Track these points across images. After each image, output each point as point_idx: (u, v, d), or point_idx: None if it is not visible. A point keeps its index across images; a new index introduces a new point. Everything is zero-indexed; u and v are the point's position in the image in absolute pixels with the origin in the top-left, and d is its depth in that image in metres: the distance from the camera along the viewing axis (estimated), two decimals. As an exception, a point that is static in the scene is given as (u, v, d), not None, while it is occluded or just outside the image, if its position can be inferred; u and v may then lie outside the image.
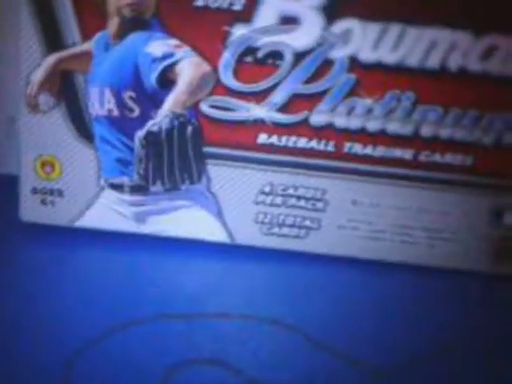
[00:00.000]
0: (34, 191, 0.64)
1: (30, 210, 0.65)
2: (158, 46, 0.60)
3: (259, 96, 0.61)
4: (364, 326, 0.58)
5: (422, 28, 0.58)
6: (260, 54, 0.60)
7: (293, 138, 0.62)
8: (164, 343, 0.55)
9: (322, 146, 0.62)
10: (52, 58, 0.61)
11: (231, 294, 0.61)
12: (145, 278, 0.62)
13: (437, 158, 0.61)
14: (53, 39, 0.61)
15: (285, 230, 0.64)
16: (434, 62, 0.59)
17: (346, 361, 0.54)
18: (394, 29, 0.58)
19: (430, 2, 0.58)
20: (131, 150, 0.61)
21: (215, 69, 0.60)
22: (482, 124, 0.60)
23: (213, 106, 0.61)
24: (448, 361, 0.55)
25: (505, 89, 0.59)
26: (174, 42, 0.60)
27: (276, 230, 0.64)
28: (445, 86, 0.60)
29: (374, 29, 0.59)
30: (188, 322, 0.57)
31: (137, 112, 0.61)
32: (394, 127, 0.61)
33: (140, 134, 0.60)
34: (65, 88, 0.62)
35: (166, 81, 0.60)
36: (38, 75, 0.62)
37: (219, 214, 0.64)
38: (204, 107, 0.61)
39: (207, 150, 0.62)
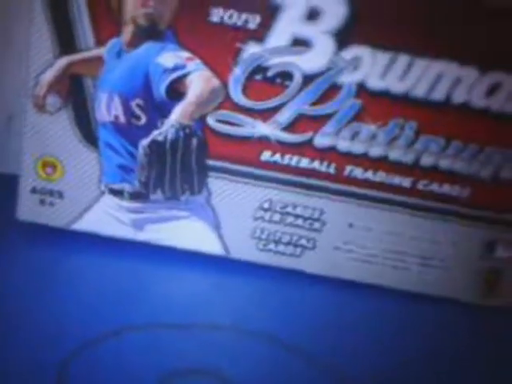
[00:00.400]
0: (34, 191, 0.64)
1: (28, 209, 0.65)
2: (170, 57, 0.61)
3: (266, 114, 0.62)
4: (349, 341, 0.59)
5: (430, 60, 0.60)
6: (270, 73, 0.61)
7: (296, 158, 0.63)
8: (157, 352, 0.55)
9: (323, 168, 0.63)
10: (63, 61, 0.61)
11: (224, 306, 0.62)
12: (139, 285, 0.62)
13: (434, 187, 0.63)
14: (66, 42, 0.61)
15: (280, 248, 0.65)
16: (439, 94, 0.61)
17: (331, 374, 0.55)
18: (403, 59, 0.60)
19: (438, 35, 0.60)
20: (134, 157, 0.62)
21: (225, 84, 0.61)
22: (481, 157, 0.62)
23: (219, 120, 0.62)
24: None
25: (506, 125, 0.61)
26: (185, 54, 0.61)
27: (272, 246, 0.65)
28: (448, 118, 0.61)
29: (383, 57, 0.60)
30: (180, 331, 0.58)
31: (143, 120, 0.62)
32: (395, 154, 0.62)
33: (144, 142, 0.60)
34: (73, 91, 0.62)
35: (175, 92, 0.61)
36: (48, 76, 0.62)
37: (217, 227, 0.64)
38: (211, 121, 0.62)
39: (210, 162, 0.63)
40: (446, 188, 0.63)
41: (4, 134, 0.69)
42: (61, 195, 0.64)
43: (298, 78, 0.61)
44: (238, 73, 0.61)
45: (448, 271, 0.64)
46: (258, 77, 0.61)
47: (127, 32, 0.61)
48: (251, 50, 0.60)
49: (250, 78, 0.61)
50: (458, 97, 0.60)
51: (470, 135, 0.62)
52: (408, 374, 0.57)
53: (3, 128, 0.68)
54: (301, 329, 0.60)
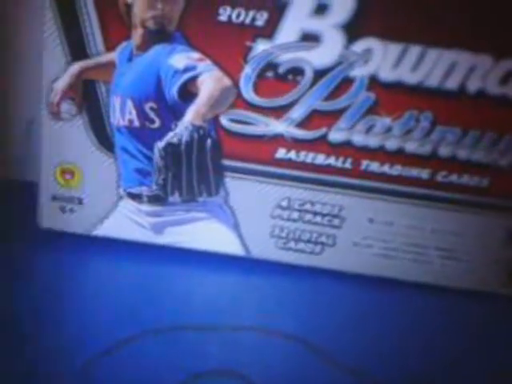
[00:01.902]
0: (54, 198, 0.65)
1: (49, 217, 0.65)
2: (181, 58, 0.61)
3: (279, 111, 0.61)
4: (373, 341, 0.59)
5: (442, 50, 0.59)
6: (281, 70, 0.60)
7: (311, 154, 0.62)
8: (180, 354, 0.55)
9: (339, 163, 0.62)
10: (76, 67, 0.62)
11: (245, 306, 0.61)
12: (161, 288, 0.62)
13: (453, 178, 0.62)
14: (77, 48, 0.61)
15: (300, 246, 0.64)
16: (453, 83, 0.60)
17: (355, 375, 0.54)
18: (415, 49, 0.59)
19: (450, 24, 0.59)
20: (150, 160, 0.62)
21: (236, 83, 0.61)
22: (500, 146, 0.61)
23: (232, 120, 0.62)
24: (454, 380, 0.56)
25: (523, 112, 0.60)
26: (196, 55, 0.61)
27: (292, 244, 0.64)
28: (463, 107, 0.60)
29: (394, 49, 0.59)
30: (203, 333, 0.57)
31: (157, 123, 0.62)
32: (411, 147, 0.61)
33: (160, 144, 0.60)
34: (87, 97, 0.63)
35: (187, 93, 0.61)
36: (62, 83, 0.62)
37: (236, 227, 0.64)
38: (224, 121, 0.62)
39: (226, 162, 0.63)
40: (466, 178, 0.62)
41: (24, 143, 0.69)
42: (80, 201, 0.65)
43: (309, 74, 0.60)
44: (248, 71, 0.61)
45: (470, 262, 0.63)
46: (269, 74, 0.61)
47: (137, 35, 0.61)
48: (261, 47, 0.60)
49: (260, 75, 0.61)
50: (473, 85, 0.60)
51: (486, 124, 0.60)
52: (429, 366, 0.56)
53: (23, 136, 0.69)
54: (324, 327, 0.60)
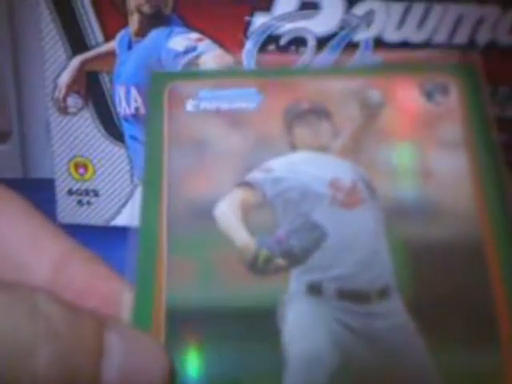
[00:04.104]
0: (70, 193, 0.65)
1: (67, 211, 0.65)
2: (180, 40, 0.60)
3: (285, 84, 0.60)
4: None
5: (448, 4, 0.57)
6: (282, 42, 0.59)
7: (321, 125, 0.61)
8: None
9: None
10: (77, 60, 0.61)
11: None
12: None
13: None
14: (76, 41, 0.61)
15: None
16: (461, 38, 0.57)
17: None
18: (419, 7, 0.57)
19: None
20: (161, 146, 0.61)
21: (238, 59, 0.59)
22: (515, 98, 0.59)
23: (239, 97, 0.61)
24: None
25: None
26: (195, 35, 0.59)
27: None
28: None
29: (397, 8, 0.57)
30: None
31: (164, 108, 0.61)
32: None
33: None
34: (92, 89, 0.62)
35: (191, 75, 0.60)
36: (65, 78, 0.62)
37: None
38: (230, 99, 0.61)
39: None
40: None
41: (43, 140, 0.69)
42: (96, 193, 0.65)
43: (311, 43, 0.59)
44: (249, 46, 0.59)
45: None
46: (271, 47, 0.59)
47: (133, 22, 0.60)
48: (260, 20, 0.59)
49: (262, 49, 0.60)
50: (483, 37, 0.57)
51: (501, 76, 0.58)
52: None
53: (42, 134, 0.69)
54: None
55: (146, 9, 0.60)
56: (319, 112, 0.37)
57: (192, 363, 0.30)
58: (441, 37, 0.57)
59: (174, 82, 0.37)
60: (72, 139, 0.63)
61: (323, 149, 0.36)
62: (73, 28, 0.60)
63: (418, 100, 0.36)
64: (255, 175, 0.35)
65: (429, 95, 0.36)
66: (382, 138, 0.36)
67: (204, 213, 0.34)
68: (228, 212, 0.34)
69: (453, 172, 0.34)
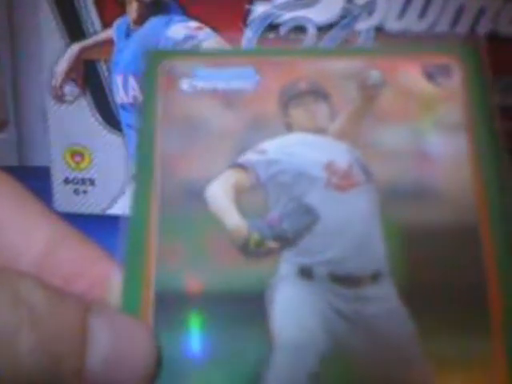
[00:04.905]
0: (66, 181, 0.64)
1: (64, 200, 0.65)
2: (179, 29, 0.59)
3: (284, 73, 0.60)
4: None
5: (449, -7, 0.56)
6: (282, 31, 0.59)
7: (321, 115, 0.60)
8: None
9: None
10: (75, 48, 0.61)
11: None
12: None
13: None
14: (74, 29, 0.60)
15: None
16: (463, 27, 0.57)
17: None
18: (420, -4, 0.57)
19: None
20: (159, 134, 0.61)
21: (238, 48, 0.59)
22: (517, 89, 0.58)
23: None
24: None
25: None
26: (194, 24, 0.59)
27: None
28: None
29: (398, -3, 0.57)
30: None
31: (162, 97, 0.60)
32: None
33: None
34: (89, 77, 0.62)
35: (189, 64, 0.59)
36: (62, 66, 0.61)
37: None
38: (229, 88, 0.60)
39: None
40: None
41: (40, 129, 0.69)
42: (92, 182, 0.64)
43: (311, 32, 0.58)
44: (249, 35, 0.59)
45: None
46: (271, 36, 0.59)
47: (132, 10, 0.60)
48: (260, 9, 0.58)
49: (262, 38, 0.59)
50: (484, 28, 0.57)
51: (502, 66, 0.58)
52: None
53: (39, 122, 0.68)
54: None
55: (145, -4, 0.59)
56: (317, 93, 0.36)
57: (180, 346, 0.30)
58: (442, 27, 0.57)
59: (170, 60, 0.36)
60: (69, 128, 0.63)
61: (320, 130, 0.35)
62: (70, 16, 0.60)
63: (419, 81, 0.35)
64: (249, 157, 0.34)
65: (430, 77, 0.35)
66: (380, 119, 0.35)
67: (196, 194, 0.33)
68: (220, 193, 0.33)
69: (451, 155, 0.33)
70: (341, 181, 0.33)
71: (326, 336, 0.30)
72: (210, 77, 0.36)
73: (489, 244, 0.31)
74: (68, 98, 0.62)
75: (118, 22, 0.60)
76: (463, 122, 0.34)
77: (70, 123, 0.62)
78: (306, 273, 0.32)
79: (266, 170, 0.34)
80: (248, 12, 0.58)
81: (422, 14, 0.57)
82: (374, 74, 0.35)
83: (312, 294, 0.31)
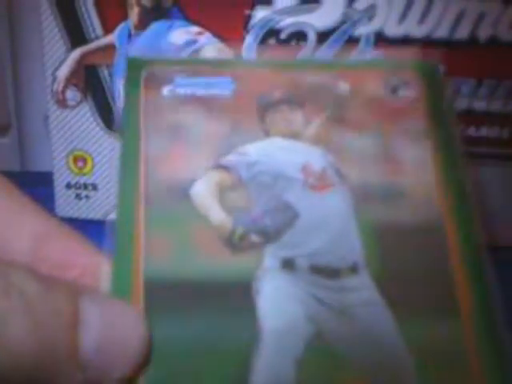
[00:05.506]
0: (68, 186, 0.65)
1: (66, 205, 0.65)
2: (180, 34, 0.59)
3: (285, 78, 0.60)
4: None
5: (449, -2, 0.57)
6: (283, 36, 0.59)
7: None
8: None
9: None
10: (76, 53, 0.61)
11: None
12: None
13: (471, 131, 0.59)
14: (76, 34, 0.60)
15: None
16: (462, 33, 0.57)
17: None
18: (420, 1, 0.57)
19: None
20: (160, 140, 0.61)
21: (239, 53, 0.59)
22: (517, 94, 0.58)
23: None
24: None
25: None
26: (195, 29, 0.59)
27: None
28: (476, 56, 0.58)
29: (399, 2, 0.57)
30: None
31: (163, 102, 0.61)
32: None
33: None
34: (91, 82, 0.62)
35: (191, 69, 0.60)
36: (64, 71, 0.61)
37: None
38: (230, 93, 0.60)
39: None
40: (484, 131, 0.60)
41: (42, 134, 0.69)
42: (95, 187, 0.64)
43: (312, 37, 0.58)
44: (250, 40, 0.59)
45: (495, 217, 0.61)
46: (271, 41, 0.59)
47: (133, 15, 0.60)
48: (260, 14, 0.58)
49: (263, 43, 0.59)
50: (484, 33, 0.57)
51: (502, 72, 0.58)
52: None
53: (41, 127, 0.69)
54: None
55: (146, 2, 0.59)
56: (291, 101, 0.38)
57: (170, 333, 0.31)
58: (442, 32, 0.57)
59: (151, 67, 0.38)
60: (71, 132, 0.63)
61: (295, 136, 0.37)
62: (72, 21, 0.60)
63: (382, 93, 0.39)
64: (231, 158, 0.36)
65: (393, 89, 0.39)
66: (350, 127, 0.38)
67: (181, 192, 0.35)
68: (204, 191, 0.35)
69: (416, 160, 0.37)
70: (317, 182, 0.36)
71: (309, 324, 0.32)
72: (190, 84, 0.38)
73: (453, 237, 0.34)
74: (70, 102, 0.62)
75: (120, 27, 0.60)
76: (424, 129, 0.37)
77: (72, 128, 0.62)
78: (288, 265, 0.34)
79: (248, 171, 0.36)
80: (248, 17, 0.58)
81: (422, 19, 0.57)
82: (342, 86, 0.39)
83: (295, 284, 0.33)
